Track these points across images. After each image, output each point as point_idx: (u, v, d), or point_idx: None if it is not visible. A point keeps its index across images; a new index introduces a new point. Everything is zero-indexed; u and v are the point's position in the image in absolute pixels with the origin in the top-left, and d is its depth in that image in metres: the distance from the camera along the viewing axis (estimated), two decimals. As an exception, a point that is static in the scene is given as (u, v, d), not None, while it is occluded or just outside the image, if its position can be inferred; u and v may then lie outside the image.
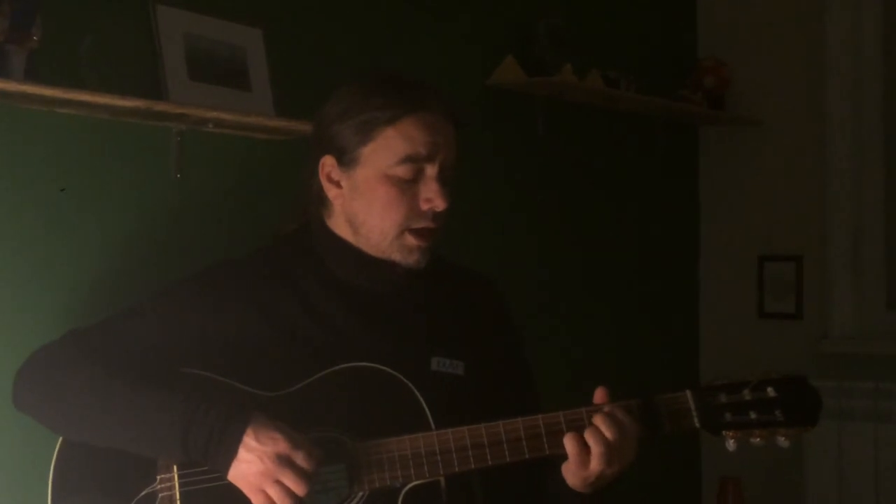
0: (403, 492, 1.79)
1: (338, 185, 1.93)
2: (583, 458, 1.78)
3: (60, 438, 1.89)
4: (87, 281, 2.31)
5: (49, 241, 2.27)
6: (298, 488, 1.71)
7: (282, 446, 1.72)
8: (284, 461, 1.71)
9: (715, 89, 4.00)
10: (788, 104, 4.06)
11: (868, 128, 3.98)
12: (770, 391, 1.81)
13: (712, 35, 4.18)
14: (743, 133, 4.11)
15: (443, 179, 1.90)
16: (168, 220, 2.46)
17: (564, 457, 1.80)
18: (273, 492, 1.71)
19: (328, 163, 1.93)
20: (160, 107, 2.32)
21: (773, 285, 4.08)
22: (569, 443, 1.78)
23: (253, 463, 1.71)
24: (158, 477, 1.83)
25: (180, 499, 1.81)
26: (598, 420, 1.78)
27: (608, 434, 1.77)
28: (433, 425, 1.81)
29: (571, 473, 1.81)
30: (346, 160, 1.91)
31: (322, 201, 1.97)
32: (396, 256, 1.92)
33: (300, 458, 1.72)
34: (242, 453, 1.72)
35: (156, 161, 2.45)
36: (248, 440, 1.72)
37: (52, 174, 2.27)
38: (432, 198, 1.89)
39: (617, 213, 3.83)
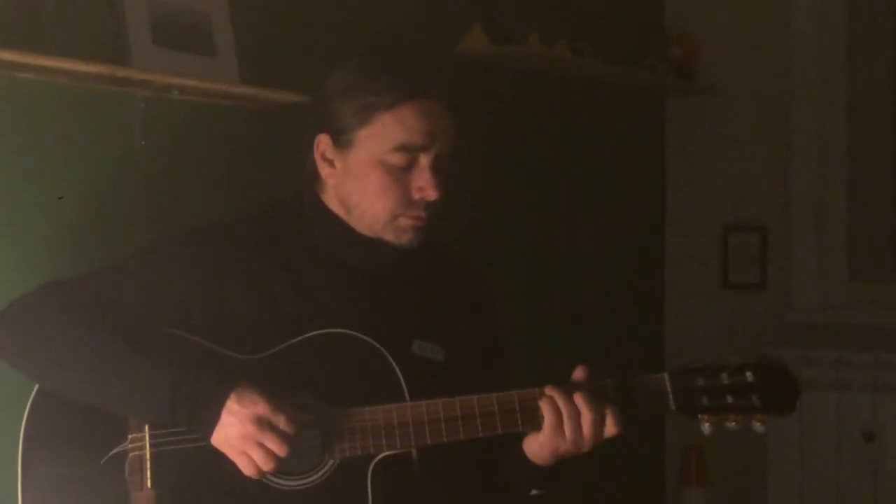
0: (374, 461, 1.79)
1: (331, 164, 1.93)
2: (559, 424, 1.79)
3: (34, 393, 1.88)
4: (48, 247, 2.28)
5: (10, 207, 2.23)
6: (279, 449, 1.72)
7: (262, 408, 1.72)
8: (265, 423, 1.72)
9: (681, 60, 4.00)
10: (754, 75, 4.07)
11: (832, 100, 4.00)
12: (748, 376, 1.80)
13: (679, 5, 4.18)
14: (709, 104, 4.12)
15: (436, 168, 1.90)
16: (132, 187, 2.44)
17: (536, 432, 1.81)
18: (255, 454, 1.72)
19: (323, 141, 1.93)
20: (123, 72, 2.29)
21: (737, 256, 4.10)
22: (546, 407, 1.79)
23: (234, 426, 1.72)
24: (129, 436, 1.82)
25: (151, 459, 1.80)
26: (576, 395, 1.79)
27: (582, 407, 1.78)
28: (408, 399, 1.81)
29: (539, 443, 1.82)
30: (342, 141, 1.90)
31: (316, 176, 1.97)
32: (389, 237, 1.92)
33: (281, 421, 1.73)
34: (225, 416, 1.73)
35: (120, 127, 2.42)
36: (231, 404, 1.73)
37: (13, 140, 2.23)
38: (424, 187, 1.88)
39: (582, 182, 3.82)
